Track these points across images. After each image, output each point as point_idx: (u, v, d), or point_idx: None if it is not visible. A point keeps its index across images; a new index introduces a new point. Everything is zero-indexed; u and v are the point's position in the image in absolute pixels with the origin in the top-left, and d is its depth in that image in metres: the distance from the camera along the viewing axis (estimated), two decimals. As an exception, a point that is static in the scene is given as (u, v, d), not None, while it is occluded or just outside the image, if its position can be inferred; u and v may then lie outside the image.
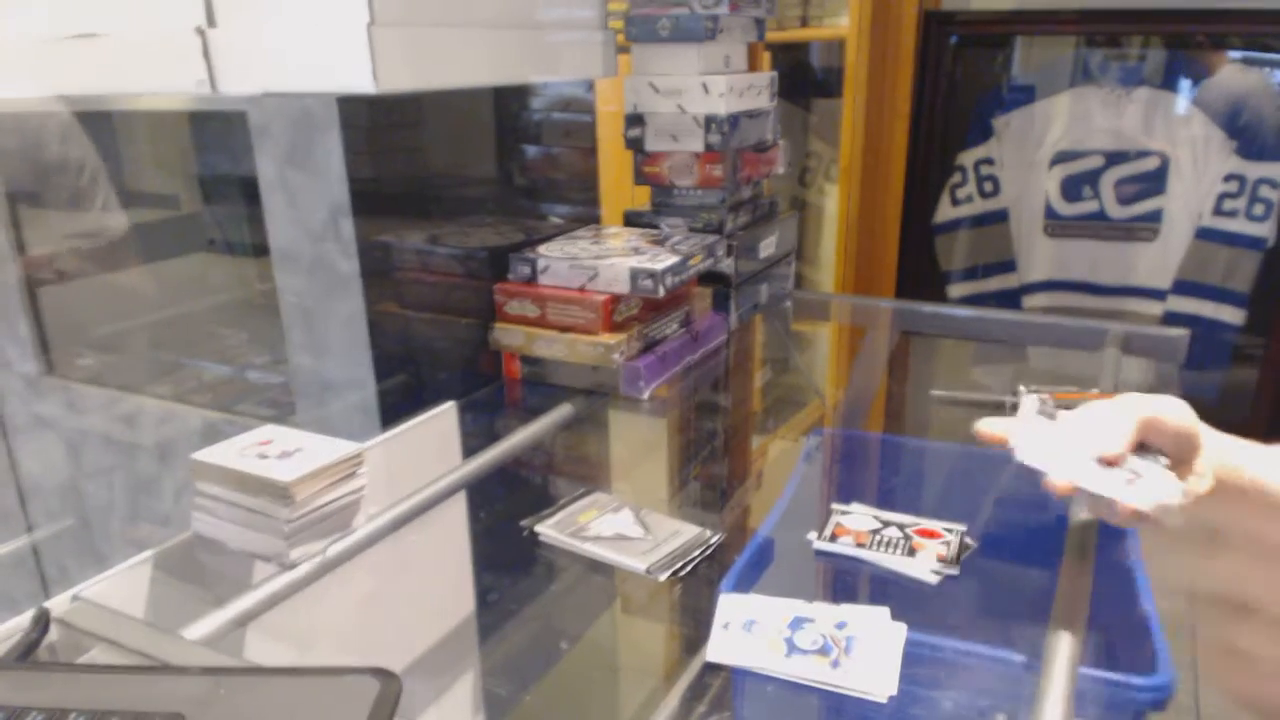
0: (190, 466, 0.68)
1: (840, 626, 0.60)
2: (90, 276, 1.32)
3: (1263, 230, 1.57)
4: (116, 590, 0.63)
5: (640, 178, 1.17)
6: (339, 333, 0.94)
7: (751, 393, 1.15)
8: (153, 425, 1.20)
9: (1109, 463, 0.53)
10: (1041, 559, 0.69)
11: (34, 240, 1.26)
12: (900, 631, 0.59)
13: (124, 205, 1.28)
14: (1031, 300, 1.79)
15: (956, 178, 1.78)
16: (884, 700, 0.53)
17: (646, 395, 0.99)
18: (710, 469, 0.94)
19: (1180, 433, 0.54)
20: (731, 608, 0.62)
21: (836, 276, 1.90)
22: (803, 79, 2.08)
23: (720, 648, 0.59)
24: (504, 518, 0.79)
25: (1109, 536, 0.67)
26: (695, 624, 0.66)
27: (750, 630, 0.60)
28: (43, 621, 0.57)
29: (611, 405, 1.00)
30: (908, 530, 0.73)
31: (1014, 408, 0.94)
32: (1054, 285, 1.77)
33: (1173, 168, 1.63)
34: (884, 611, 0.61)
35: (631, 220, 1.19)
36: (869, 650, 0.57)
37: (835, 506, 0.77)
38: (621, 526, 0.75)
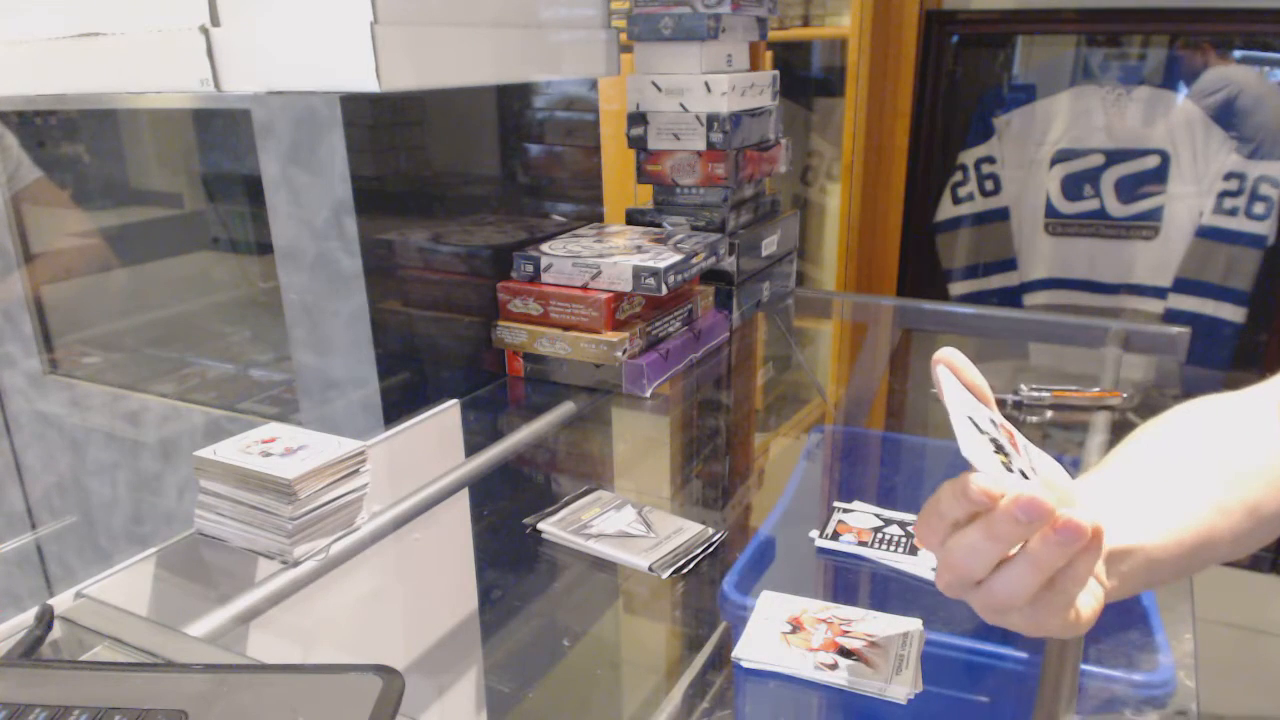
0: (193, 464, 0.69)
1: (870, 633, 0.59)
2: (94, 274, 1.32)
3: (1263, 228, 1.57)
4: (120, 587, 0.64)
5: (642, 176, 1.17)
6: (342, 330, 0.94)
7: (753, 390, 1.15)
8: (156, 423, 1.20)
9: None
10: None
11: (38, 238, 1.26)
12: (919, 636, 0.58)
13: (128, 204, 1.28)
14: (1032, 298, 1.79)
15: (958, 176, 1.78)
16: (904, 702, 0.53)
17: (649, 393, 0.99)
18: (712, 466, 0.94)
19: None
20: (770, 608, 0.62)
21: (838, 274, 1.90)
22: (804, 78, 2.09)
23: (751, 648, 0.58)
24: (506, 515, 0.79)
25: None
26: (698, 622, 0.66)
27: (788, 636, 0.59)
28: (46, 619, 0.58)
29: (614, 403, 1.00)
30: (909, 528, 0.73)
31: (1015, 405, 0.94)
32: (1055, 283, 1.77)
33: (1173, 166, 1.63)
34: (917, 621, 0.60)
35: (634, 219, 1.19)
36: (894, 655, 0.57)
37: (837, 504, 0.77)
38: (624, 524, 0.75)
